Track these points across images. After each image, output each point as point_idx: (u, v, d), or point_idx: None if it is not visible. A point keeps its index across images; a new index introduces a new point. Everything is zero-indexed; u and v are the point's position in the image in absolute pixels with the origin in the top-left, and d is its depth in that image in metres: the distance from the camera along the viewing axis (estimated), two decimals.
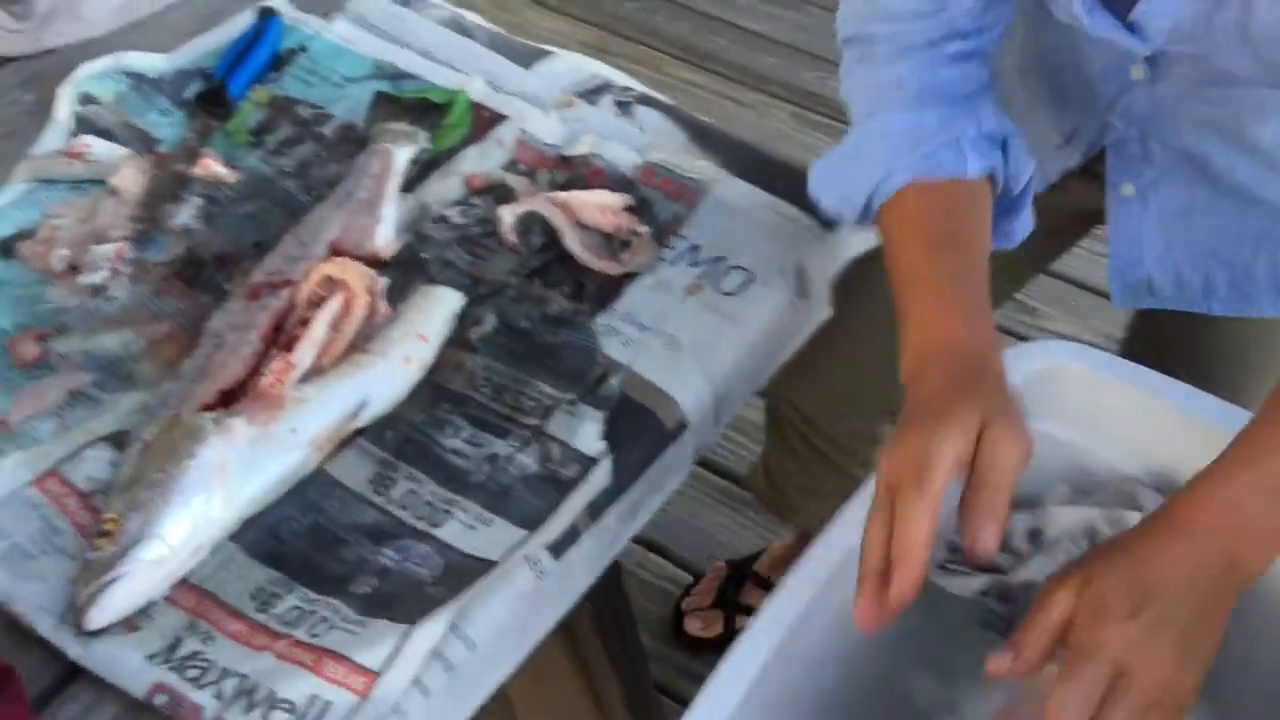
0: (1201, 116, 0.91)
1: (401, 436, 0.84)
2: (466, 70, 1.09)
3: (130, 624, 0.74)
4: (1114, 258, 1.01)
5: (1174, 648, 0.65)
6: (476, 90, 1.07)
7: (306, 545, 0.79)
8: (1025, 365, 0.83)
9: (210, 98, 1.07)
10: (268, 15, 1.13)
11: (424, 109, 1.05)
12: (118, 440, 0.83)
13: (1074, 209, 1.05)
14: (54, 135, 1.05)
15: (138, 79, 1.10)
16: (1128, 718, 0.64)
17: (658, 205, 0.98)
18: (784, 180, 0.99)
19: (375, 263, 0.94)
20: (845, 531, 0.75)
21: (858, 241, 1.01)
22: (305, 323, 0.88)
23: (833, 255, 0.97)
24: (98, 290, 0.94)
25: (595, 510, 0.81)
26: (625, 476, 0.83)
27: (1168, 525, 0.68)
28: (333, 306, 0.89)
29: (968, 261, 0.81)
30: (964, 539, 0.69)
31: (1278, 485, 0.68)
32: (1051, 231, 0.99)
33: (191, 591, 0.76)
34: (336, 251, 0.94)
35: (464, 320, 0.91)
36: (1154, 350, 0.98)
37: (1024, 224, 0.93)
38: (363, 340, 0.88)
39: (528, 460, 0.83)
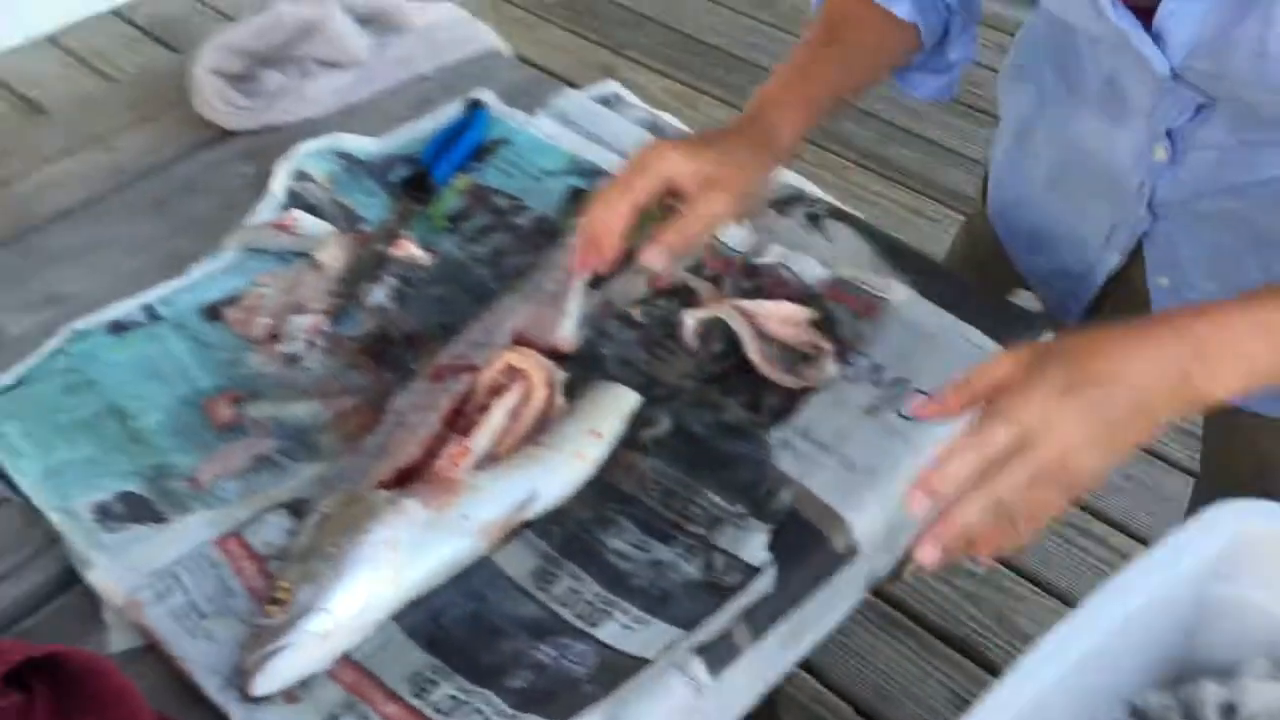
0: (1224, 209, 0.91)
1: (568, 533, 0.84)
2: None
3: (291, 695, 0.75)
4: None
5: (1090, 432, 0.67)
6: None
7: (466, 633, 0.79)
8: (1217, 530, 0.77)
9: (415, 182, 1.12)
10: (475, 107, 1.17)
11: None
12: (296, 508, 0.86)
13: (1128, 302, 1.03)
14: (267, 207, 1.11)
15: (349, 159, 1.15)
16: (1015, 480, 0.66)
17: (842, 321, 0.96)
18: (975, 306, 0.97)
19: (555, 355, 0.95)
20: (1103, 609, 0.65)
21: None
22: (484, 409, 0.90)
23: None
24: (293, 360, 0.97)
25: (757, 628, 0.79)
26: (789, 594, 0.81)
27: (1139, 330, 0.71)
28: (512, 396, 0.90)
29: (832, 65, 0.95)
30: (647, 251, 0.88)
31: (1259, 322, 0.70)
32: None
33: (352, 668, 0.77)
34: (519, 341, 0.96)
35: (638, 420, 0.91)
36: (1219, 469, 1.00)
37: (935, 88, 1.06)
38: (538, 432, 0.89)
39: (691, 569, 0.82)
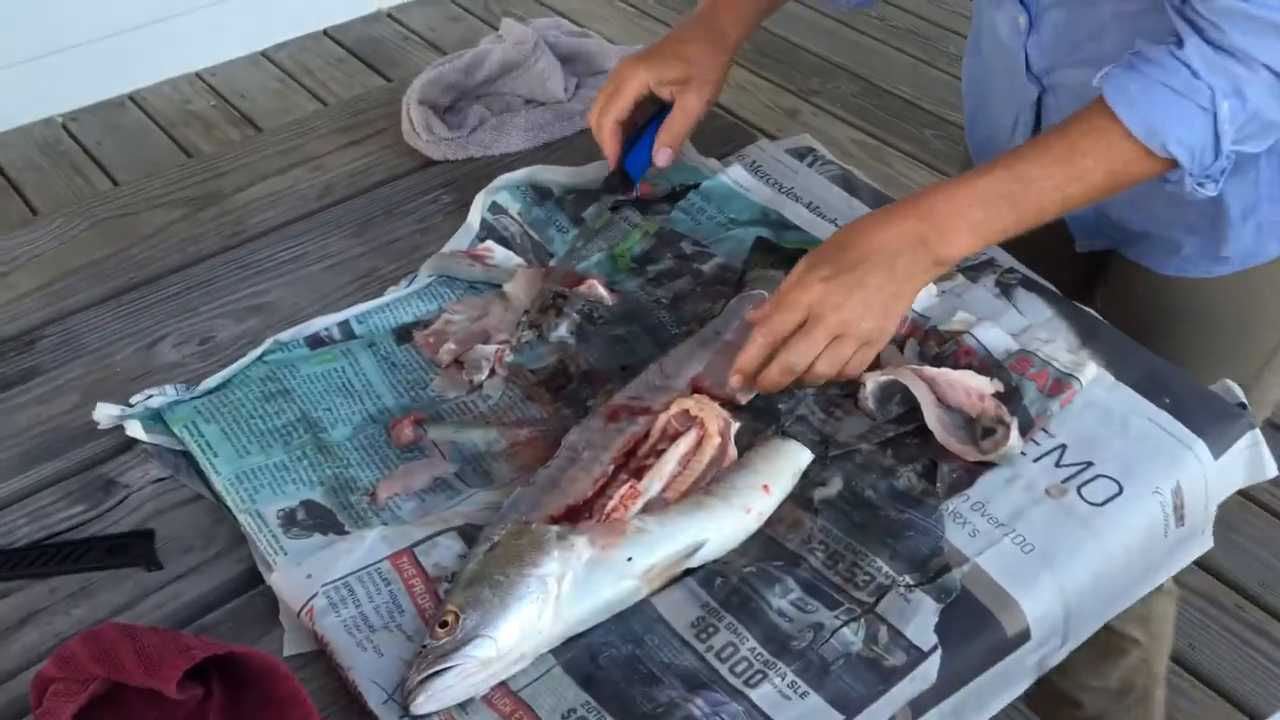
0: (1081, 80, 0.99)
1: (730, 585, 0.84)
2: None
3: (448, 716, 0.77)
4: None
5: (860, 300, 0.89)
6: None
7: (621, 675, 0.79)
8: None
9: (611, 184, 1.16)
10: (659, 105, 1.16)
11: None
12: (466, 533, 0.88)
13: None
14: (463, 236, 1.15)
15: (543, 194, 1.18)
16: (814, 340, 0.90)
17: (1028, 396, 0.94)
18: (1171, 394, 0.93)
19: (731, 405, 0.95)
20: None
21: (1245, 472, 0.93)
22: (657, 453, 0.90)
23: (1217, 483, 0.89)
24: (475, 387, 1.00)
25: (916, 709, 0.77)
26: (954, 678, 0.79)
27: (887, 212, 0.94)
28: (686, 442, 0.90)
29: None
30: (655, 151, 1.12)
31: (979, 192, 0.91)
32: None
33: (508, 697, 0.78)
34: (696, 388, 0.96)
35: (808, 478, 0.90)
36: (1116, 310, 1.09)
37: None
38: (708, 480, 0.89)
39: (852, 637, 0.80)
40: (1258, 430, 0.92)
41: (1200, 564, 1.79)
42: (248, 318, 1.09)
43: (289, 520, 0.89)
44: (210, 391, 1.00)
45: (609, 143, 1.11)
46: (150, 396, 0.99)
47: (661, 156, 1.11)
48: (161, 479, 0.94)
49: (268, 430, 0.96)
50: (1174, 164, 0.90)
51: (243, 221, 1.20)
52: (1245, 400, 0.94)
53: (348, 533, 0.88)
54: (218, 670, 0.75)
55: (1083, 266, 1.19)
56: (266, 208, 1.22)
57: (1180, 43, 0.88)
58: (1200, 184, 0.92)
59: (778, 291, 0.93)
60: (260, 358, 1.03)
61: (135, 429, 0.97)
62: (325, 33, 3.27)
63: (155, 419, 0.98)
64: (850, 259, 0.91)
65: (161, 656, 0.71)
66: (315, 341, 1.05)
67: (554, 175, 1.20)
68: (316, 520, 0.90)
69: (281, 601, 0.85)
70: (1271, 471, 0.93)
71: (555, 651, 0.81)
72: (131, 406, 0.99)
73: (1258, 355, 1.13)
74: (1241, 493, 0.92)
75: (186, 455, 0.95)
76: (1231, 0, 0.85)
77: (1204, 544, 0.89)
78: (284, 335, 1.04)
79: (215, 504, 0.92)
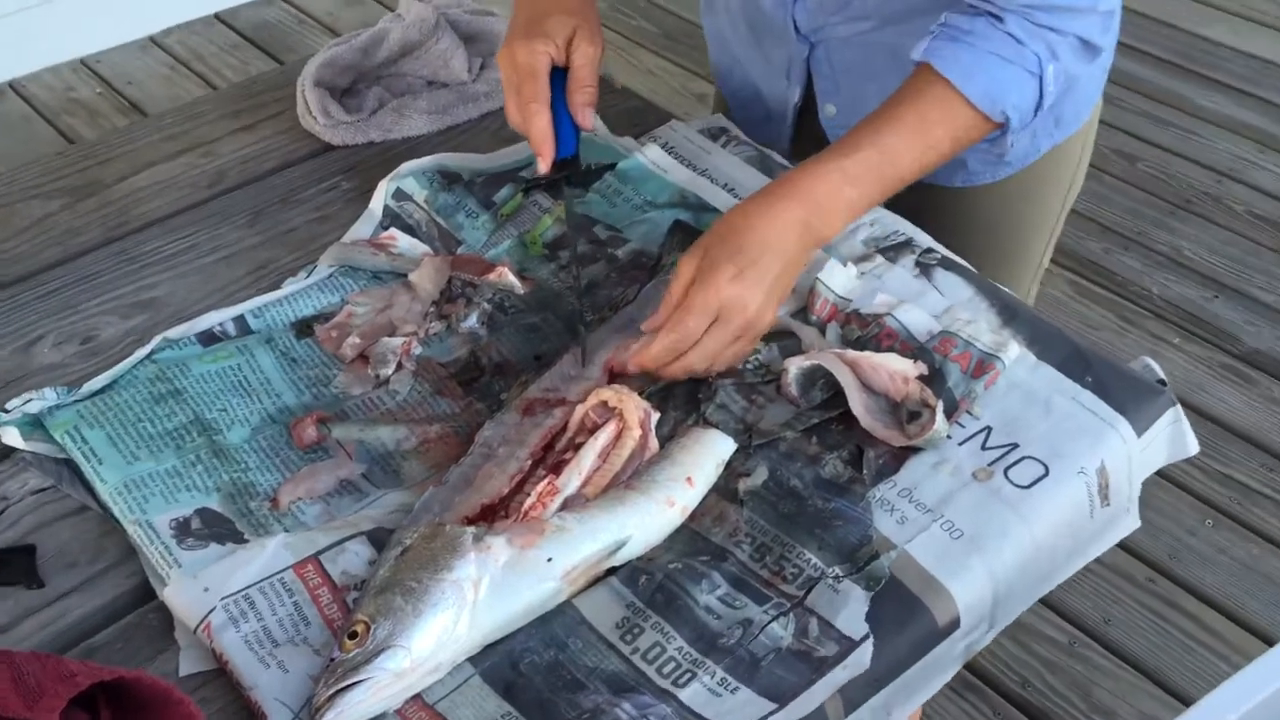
0: (858, 31, 1.08)
1: (655, 584, 0.80)
2: None
3: None
4: None
5: (764, 297, 0.91)
6: None
7: (544, 682, 0.76)
8: None
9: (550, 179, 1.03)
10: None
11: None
12: (376, 538, 0.83)
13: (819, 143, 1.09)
14: (364, 224, 1.09)
15: (451, 179, 1.13)
16: (720, 341, 0.90)
17: (952, 378, 0.92)
18: (1095, 373, 0.92)
19: (648, 396, 0.92)
20: None
21: (1167, 450, 0.92)
22: (575, 447, 0.87)
23: (1140, 461, 0.89)
24: (381, 382, 0.95)
25: (849, 701, 0.75)
26: (886, 668, 0.77)
27: (763, 199, 0.94)
28: (605, 435, 0.87)
29: None
30: (576, 117, 1.02)
31: (849, 172, 0.94)
32: None
33: (424, 711, 0.74)
34: (612, 373, 0.93)
35: (732, 469, 0.88)
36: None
37: None
38: (628, 475, 0.86)
39: (782, 632, 0.78)
40: (1179, 407, 0.92)
41: None
42: (134, 314, 1.02)
43: (183, 530, 0.84)
44: (94, 394, 0.93)
45: (547, 140, 1.00)
46: (28, 401, 0.92)
47: (586, 117, 1.02)
48: (42, 489, 0.88)
49: (158, 434, 0.90)
50: (1004, 125, 0.98)
51: (127, 212, 1.13)
52: (1164, 376, 0.94)
53: (247, 541, 0.83)
54: (106, 697, 0.69)
55: None
56: (153, 197, 1.15)
57: (998, 17, 0.95)
58: (1018, 138, 1.00)
59: (683, 292, 0.90)
60: (148, 357, 0.96)
61: (12, 436, 0.90)
62: (217, 16, 3.16)
63: (34, 425, 0.91)
64: (749, 253, 0.90)
65: (42, 685, 0.66)
66: (208, 338, 0.99)
67: (464, 162, 1.16)
68: (213, 529, 0.84)
69: (176, 618, 0.79)
70: (1194, 448, 0.93)
71: (473, 660, 0.76)
72: (7, 412, 0.92)
73: (1036, 249, 1.24)
74: None
75: (69, 463, 0.89)
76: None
77: (1130, 523, 0.89)
78: (174, 332, 0.98)
79: (102, 515, 0.86)
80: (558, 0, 1.04)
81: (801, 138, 1.20)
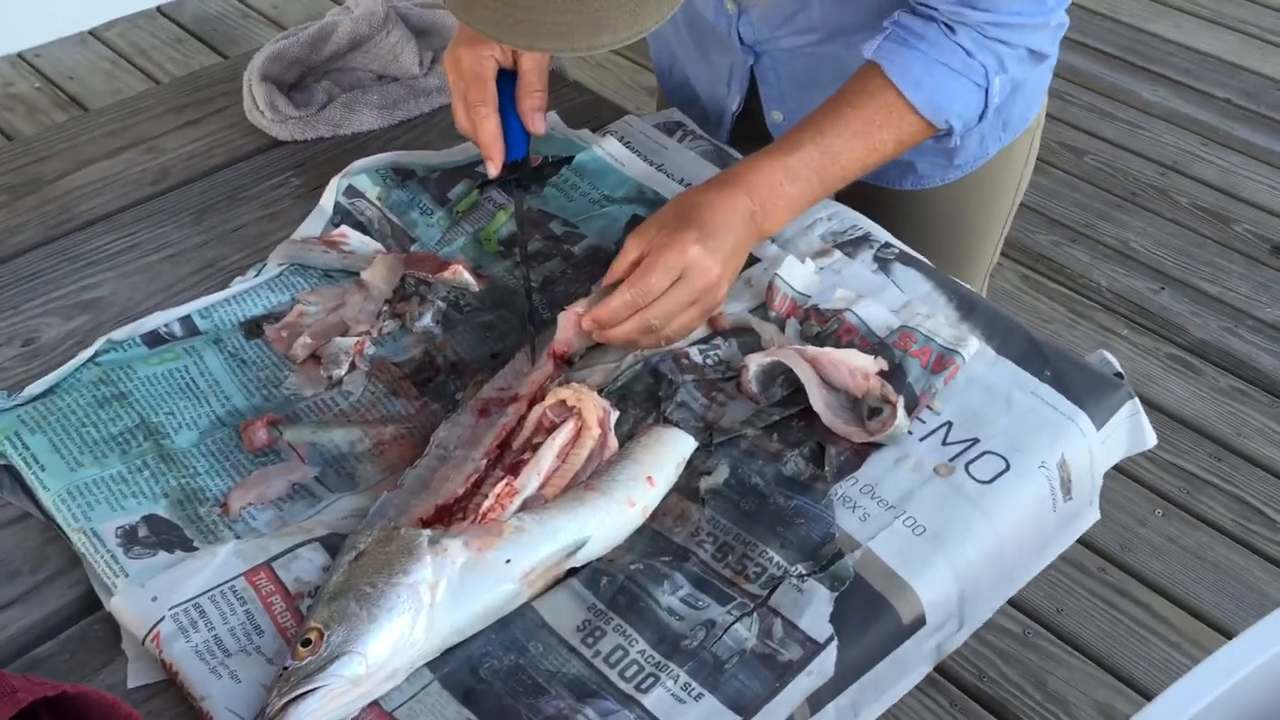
0: (803, 43, 1.09)
1: (616, 585, 0.79)
2: None
3: None
4: None
5: (724, 266, 0.92)
6: None
7: (504, 687, 0.74)
8: None
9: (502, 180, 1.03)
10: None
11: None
12: (330, 543, 0.81)
13: (758, 142, 1.09)
14: (315, 222, 1.07)
15: (405, 175, 1.11)
16: (679, 301, 0.90)
17: (912, 373, 0.91)
18: (1053, 367, 0.92)
19: (606, 394, 0.90)
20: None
21: (1126, 442, 0.93)
22: (533, 447, 0.85)
23: (1101, 454, 0.89)
24: (334, 383, 0.93)
25: (814, 703, 0.74)
26: (850, 668, 0.76)
27: (718, 186, 0.95)
28: (564, 434, 0.85)
29: None
30: (526, 123, 1.00)
31: (792, 170, 0.95)
32: None
33: (382, 718, 0.72)
34: (557, 356, 0.91)
35: (693, 467, 0.87)
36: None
37: None
38: (588, 474, 0.85)
39: (745, 633, 0.77)
40: (1136, 400, 0.92)
41: None
42: (76, 315, 0.99)
43: (130, 538, 0.81)
44: (35, 398, 0.91)
45: (496, 144, 0.99)
46: None
47: (538, 122, 1.01)
48: None
49: (102, 439, 0.87)
50: (948, 131, 1.00)
51: (68, 210, 1.10)
52: (1121, 370, 0.94)
53: (197, 549, 0.81)
54: (50, 713, 0.67)
55: None
56: (95, 194, 1.12)
57: (950, 27, 0.96)
58: (961, 140, 1.03)
59: (628, 266, 0.91)
60: (92, 359, 0.94)
61: None
62: (159, 10, 3.09)
63: None
64: (706, 226, 0.91)
65: None
66: (154, 339, 0.96)
67: (418, 159, 1.13)
68: (161, 536, 0.82)
69: (124, 628, 0.77)
70: (1151, 440, 0.93)
71: (431, 665, 0.75)
72: None
73: (987, 248, 1.28)
74: None
75: (9, 469, 0.86)
76: (979, 14, 0.95)
77: (1091, 516, 0.89)
78: (118, 333, 0.95)
79: (44, 523, 0.83)
80: None
81: (738, 141, 1.20)
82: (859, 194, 1.09)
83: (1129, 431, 0.92)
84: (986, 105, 0.99)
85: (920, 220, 1.18)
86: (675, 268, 0.89)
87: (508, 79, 1.00)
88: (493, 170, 1.00)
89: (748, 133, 1.19)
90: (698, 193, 0.95)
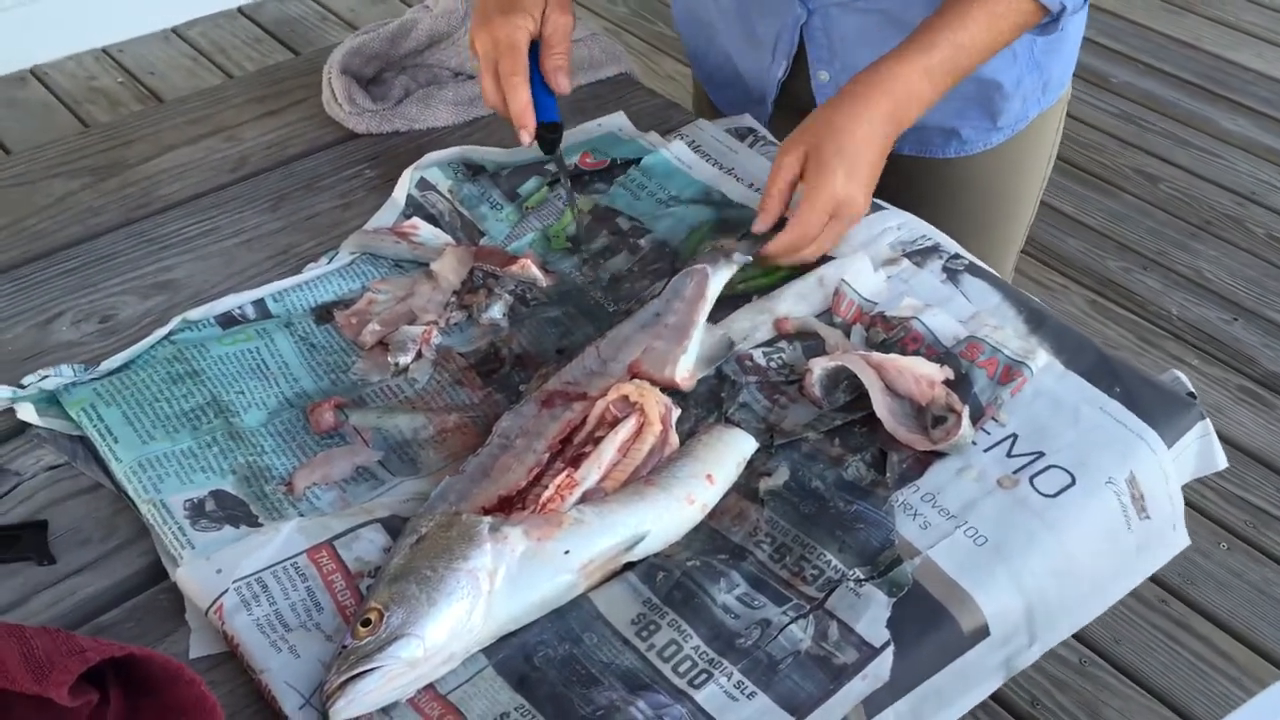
0: (848, 1, 1.12)
1: (672, 581, 0.79)
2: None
3: None
4: None
5: (864, 186, 0.98)
6: None
7: (558, 676, 0.74)
8: None
9: (546, 145, 1.06)
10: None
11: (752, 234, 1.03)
12: (391, 525, 0.82)
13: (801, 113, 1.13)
14: (388, 213, 1.08)
15: (475, 171, 1.12)
16: (833, 236, 0.99)
17: (978, 384, 0.91)
18: (1123, 383, 0.91)
19: (671, 391, 0.91)
20: None
21: (1195, 463, 0.91)
22: (595, 440, 0.86)
23: (1174, 474, 0.87)
24: (400, 370, 0.94)
25: (872, 707, 0.73)
26: (909, 675, 0.75)
27: (853, 98, 0.99)
28: (626, 429, 0.86)
29: None
30: (550, 82, 1.05)
31: (929, 69, 0.99)
32: None
33: (436, 700, 0.73)
34: (635, 373, 0.92)
35: (753, 468, 0.86)
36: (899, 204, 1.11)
37: None
38: (648, 470, 0.85)
39: (800, 634, 0.76)
40: (1208, 421, 0.91)
41: None
42: (153, 295, 1.01)
43: (197, 511, 0.83)
44: (111, 373, 0.93)
45: (528, 111, 1.02)
46: (45, 378, 0.92)
47: (561, 81, 1.05)
48: (56, 466, 0.87)
49: (174, 414, 0.89)
50: (1059, 13, 1.02)
51: (149, 193, 1.13)
52: (1193, 389, 0.93)
53: (261, 525, 0.82)
54: (115, 675, 0.68)
55: None
56: (175, 179, 1.14)
57: None
58: (1045, 31, 1.05)
59: (787, 185, 0.98)
60: (167, 337, 0.96)
61: (28, 412, 0.89)
62: (240, 10, 3.16)
63: (50, 401, 0.90)
64: (850, 152, 0.97)
65: (52, 659, 0.65)
66: (227, 320, 0.98)
67: (487, 155, 1.15)
68: (227, 511, 0.83)
69: (188, 599, 0.78)
70: (1222, 463, 0.91)
71: (487, 651, 0.75)
72: (24, 388, 0.91)
73: (1019, 224, 1.30)
74: None
75: (84, 441, 0.88)
76: None
77: (1180, 540, 0.87)
78: (193, 313, 0.97)
79: (115, 493, 0.85)
80: None
81: (778, 112, 1.23)
82: (900, 168, 1.13)
83: (1199, 453, 0.91)
84: None
85: (959, 190, 1.22)
86: (829, 208, 0.96)
87: (532, 51, 1.04)
88: (525, 139, 1.03)
89: (789, 102, 1.22)
90: (839, 108, 0.98)
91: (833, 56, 1.16)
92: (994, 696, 1.67)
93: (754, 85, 1.23)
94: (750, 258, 1.00)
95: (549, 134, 1.04)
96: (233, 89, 1.29)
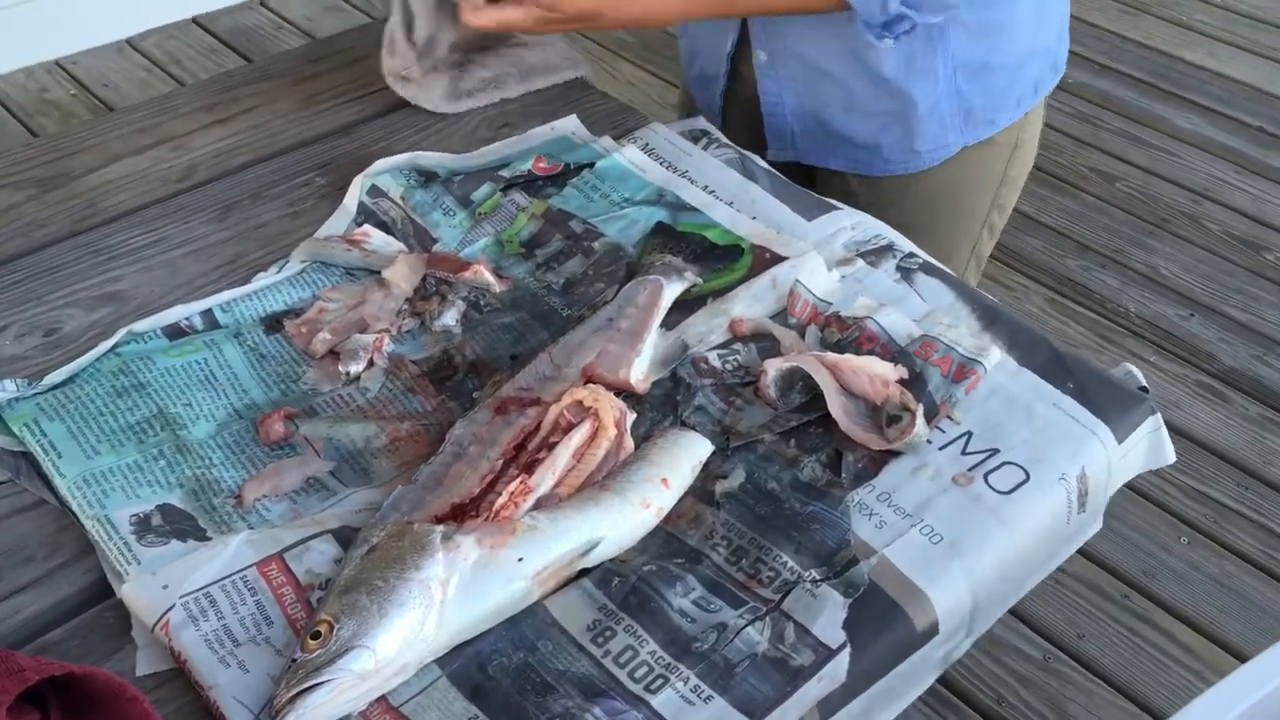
0: None
1: (628, 586, 0.79)
2: (747, 213, 1.06)
3: None
4: (766, 116, 1.23)
5: None
6: (759, 233, 1.03)
7: (513, 685, 0.73)
8: None
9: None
10: None
11: (702, 248, 1.03)
12: (343, 536, 0.81)
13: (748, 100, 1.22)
14: (339, 220, 1.07)
15: (428, 177, 1.12)
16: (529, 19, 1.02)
17: (932, 382, 0.91)
18: (1076, 379, 0.91)
19: (626, 395, 0.90)
20: None
21: (1145, 458, 0.91)
22: (549, 446, 0.85)
23: (1119, 469, 0.87)
24: (352, 379, 0.93)
25: (826, 708, 0.73)
26: (863, 675, 0.75)
27: None
28: (580, 434, 0.85)
29: None
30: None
31: None
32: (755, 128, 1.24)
33: (389, 713, 0.72)
34: (589, 378, 0.91)
35: (709, 471, 0.86)
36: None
37: None
38: (603, 475, 0.84)
39: (757, 636, 0.76)
40: (1159, 415, 0.91)
41: (1086, 554, 1.81)
42: (99, 307, 1.00)
43: (143, 526, 0.81)
44: (55, 387, 0.91)
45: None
46: None
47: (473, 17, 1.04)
48: None
49: (119, 428, 0.88)
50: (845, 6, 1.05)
51: (94, 204, 1.11)
52: (1145, 383, 0.93)
53: (209, 539, 0.81)
54: (56, 694, 0.67)
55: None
56: (121, 189, 1.13)
57: None
58: (879, 36, 1.08)
59: None
60: (112, 350, 0.94)
61: None
62: (194, 20, 3.13)
63: None
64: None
65: None
66: (175, 332, 0.97)
67: (439, 161, 1.14)
68: (174, 525, 0.82)
69: (134, 615, 0.77)
70: (1170, 457, 0.92)
71: (440, 661, 0.74)
72: None
73: (960, 253, 1.30)
74: (1125, 482, 0.91)
75: (27, 456, 0.86)
76: None
77: (1095, 527, 0.88)
78: (140, 325, 0.96)
79: (59, 510, 0.83)
80: None
81: (729, 100, 1.28)
82: (834, 182, 1.17)
83: (1149, 447, 0.91)
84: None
85: (889, 209, 1.19)
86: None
87: None
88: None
89: (739, 89, 1.26)
90: None
91: (769, 37, 1.18)
92: (960, 695, 1.69)
93: (709, 66, 1.26)
94: (701, 280, 1.00)
95: None
96: (180, 98, 1.27)
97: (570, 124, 1.19)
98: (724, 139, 1.17)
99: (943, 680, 1.69)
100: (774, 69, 1.19)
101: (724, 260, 1.02)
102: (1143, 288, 2.39)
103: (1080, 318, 2.32)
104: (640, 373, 0.92)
